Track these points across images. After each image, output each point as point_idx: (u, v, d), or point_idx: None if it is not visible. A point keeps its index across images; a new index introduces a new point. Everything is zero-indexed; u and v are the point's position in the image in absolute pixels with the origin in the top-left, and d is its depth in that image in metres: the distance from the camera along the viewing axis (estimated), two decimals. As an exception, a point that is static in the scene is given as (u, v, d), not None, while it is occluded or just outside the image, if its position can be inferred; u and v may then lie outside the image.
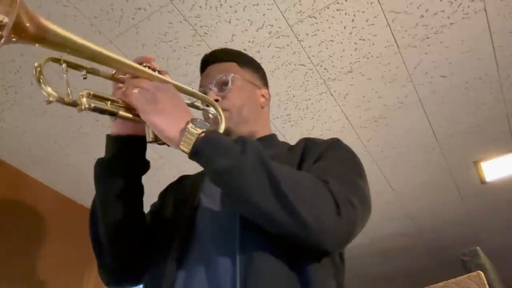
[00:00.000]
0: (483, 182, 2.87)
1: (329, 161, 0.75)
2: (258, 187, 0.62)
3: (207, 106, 0.84)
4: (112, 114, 0.69)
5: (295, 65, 1.92)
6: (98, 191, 0.79)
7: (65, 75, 0.64)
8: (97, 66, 0.69)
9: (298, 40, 1.81)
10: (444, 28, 1.77)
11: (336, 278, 0.71)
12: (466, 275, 1.27)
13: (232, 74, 0.92)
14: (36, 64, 0.61)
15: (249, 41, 1.80)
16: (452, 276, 1.32)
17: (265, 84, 1.03)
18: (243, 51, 1.83)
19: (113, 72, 0.73)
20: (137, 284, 0.85)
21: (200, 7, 1.64)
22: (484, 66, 1.97)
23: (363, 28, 1.76)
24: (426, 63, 1.94)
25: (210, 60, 0.98)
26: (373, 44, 1.84)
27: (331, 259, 0.71)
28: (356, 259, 3.67)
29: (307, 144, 0.82)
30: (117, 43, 1.76)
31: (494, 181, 2.86)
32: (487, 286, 1.20)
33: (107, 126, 2.38)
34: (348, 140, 2.38)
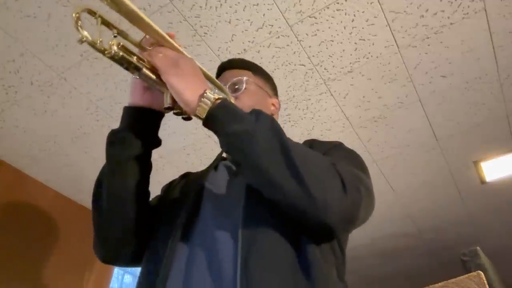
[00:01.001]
0: (483, 182, 2.87)
1: (335, 156, 0.77)
2: (269, 154, 0.63)
3: None
4: (136, 68, 0.71)
5: (295, 65, 1.92)
6: (108, 158, 0.79)
7: (98, 26, 0.68)
8: (127, 30, 0.73)
9: (298, 40, 1.81)
10: (444, 28, 1.77)
11: (337, 267, 0.71)
12: (466, 275, 1.27)
13: (246, 78, 0.97)
14: (74, 11, 0.66)
15: (249, 41, 1.80)
16: (452, 276, 1.31)
17: (276, 94, 1.07)
18: (243, 51, 1.84)
19: (140, 40, 0.75)
20: (133, 264, 0.84)
21: (200, 7, 1.64)
22: (484, 66, 1.97)
23: (363, 28, 1.76)
24: (426, 63, 1.94)
25: (226, 66, 1.03)
26: (373, 44, 1.84)
27: (330, 246, 0.71)
28: (356, 260, 3.67)
29: (312, 143, 0.85)
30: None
31: (494, 181, 2.86)
32: (487, 286, 1.20)
33: (107, 126, 2.39)
34: (348, 140, 2.41)
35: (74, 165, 2.47)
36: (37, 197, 2.54)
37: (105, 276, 2.81)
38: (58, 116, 2.12)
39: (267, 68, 1.92)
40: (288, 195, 0.62)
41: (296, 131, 2.30)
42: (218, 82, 0.88)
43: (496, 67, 1.98)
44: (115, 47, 0.68)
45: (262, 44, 1.82)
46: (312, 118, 2.24)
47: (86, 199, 2.74)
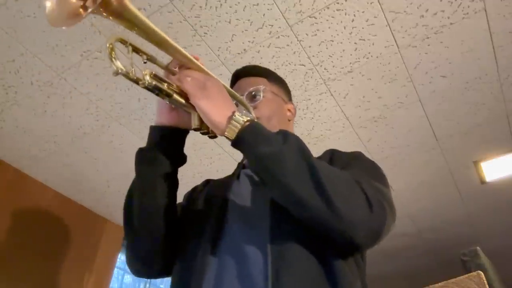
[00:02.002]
0: (483, 182, 2.87)
1: (356, 169, 0.78)
2: (297, 175, 0.65)
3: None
4: (168, 95, 0.74)
5: (295, 65, 1.92)
6: (138, 176, 0.82)
7: (130, 55, 0.71)
8: (155, 54, 0.76)
9: (298, 40, 1.81)
10: (444, 28, 1.77)
11: (361, 278, 0.74)
12: (466, 275, 1.27)
13: (263, 87, 0.99)
14: (108, 42, 0.69)
15: (249, 41, 1.80)
16: (452, 276, 1.32)
17: (290, 99, 1.10)
18: (243, 51, 1.85)
19: (168, 63, 0.79)
20: (165, 275, 0.86)
21: (200, 7, 1.64)
22: (484, 66, 1.97)
23: (363, 28, 1.76)
24: (426, 63, 1.94)
25: (241, 74, 1.05)
26: (373, 44, 1.84)
27: (354, 258, 0.74)
28: (356, 259, 3.66)
29: (333, 154, 0.87)
30: (117, 43, 1.75)
31: (494, 181, 2.86)
32: (487, 286, 1.20)
33: (107, 126, 2.39)
34: (348, 140, 2.41)
35: (74, 165, 2.47)
36: (37, 197, 2.54)
37: (105, 276, 2.81)
38: (58, 116, 2.12)
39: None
40: (316, 214, 0.65)
41: (296, 131, 2.28)
42: (239, 96, 0.91)
43: (496, 67, 1.98)
44: (148, 77, 0.70)
45: (262, 44, 1.82)
46: (312, 118, 2.24)
47: (86, 199, 2.74)
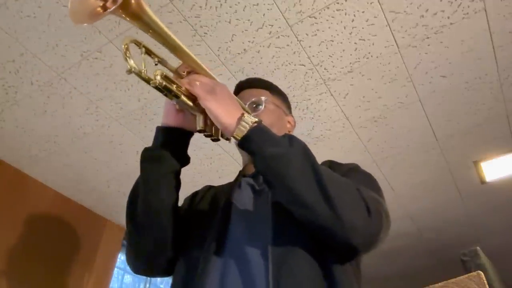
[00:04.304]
0: (483, 182, 2.86)
1: (354, 180, 0.80)
2: (303, 177, 0.68)
3: None
4: (176, 96, 0.77)
5: (295, 65, 1.92)
6: (143, 174, 0.84)
7: (142, 56, 0.75)
8: (166, 57, 0.79)
9: (298, 40, 1.81)
10: (444, 28, 1.77)
11: (358, 283, 0.75)
12: (466, 275, 1.27)
13: (265, 98, 1.02)
14: (124, 42, 0.72)
15: (249, 41, 1.80)
16: (452, 276, 1.31)
17: (290, 112, 1.14)
18: (243, 51, 1.85)
19: (178, 66, 0.82)
20: (165, 275, 0.87)
21: (200, 7, 1.64)
22: (484, 66, 1.97)
23: (363, 28, 1.76)
24: (426, 63, 1.94)
25: (245, 85, 1.08)
26: (373, 44, 1.84)
27: (352, 265, 0.75)
28: (356, 259, 3.66)
29: (331, 165, 0.89)
30: (117, 43, 1.76)
31: (494, 181, 2.86)
32: (487, 286, 1.20)
33: (107, 126, 2.39)
34: (348, 140, 2.41)
35: (74, 165, 2.47)
36: (37, 197, 2.54)
37: (105, 276, 2.81)
38: (58, 116, 2.12)
39: (267, 68, 1.93)
40: (319, 216, 0.67)
41: (296, 131, 2.28)
42: (242, 104, 0.92)
43: (496, 67, 1.98)
44: (159, 77, 0.73)
45: (262, 44, 1.82)
46: (312, 118, 2.24)
47: (86, 199, 2.74)
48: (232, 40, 1.79)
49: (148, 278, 3.22)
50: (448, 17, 1.72)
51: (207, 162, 2.48)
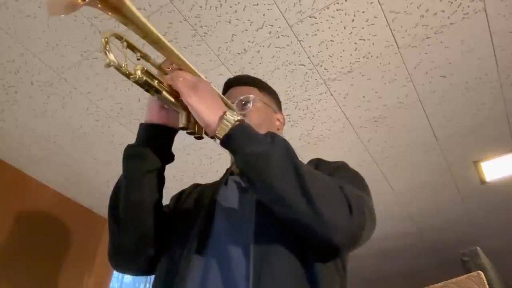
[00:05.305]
0: (483, 182, 2.86)
1: (339, 177, 0.80)
2: (283, 175, 0.67)
3: None
4: (157, 91, 0.75)
5: (295, 65, 1.92)
6: (126, 171, 0.84)
7: (124, 50, 0.74)
8: (150, 53, 0.78)
9: (298, 40, 1.81)
10: (444, 28, 1.77)
11: (341, 284, 0.74)
12: (466, 275, 1.26)
13: (253, 96, 1.01)
14: (103, 36, 0.71)
15: (249, 41, 1.80)
16: (452, 276, 1.31)
17: (280, 109, 1.12)
18: (243, 51, 1.84)
19: (161, 62, 0.80)
20: (145, 273, 0.87)
21: (200, 7, 1.64)
22: (484, 66, 1.97)
23: (363, 28, 1.76)
24: (426, 63, 1.94)
25: (233, 83, 1.08)
26: (373, 44, 1.84)
27: (335, 265, 0.75)
28: (356, 259, 3.66)
29: (318, 163, 0.89)
30: (117, 43, 1.75)
31: (494, 181, 2.86)
32: (487, 286, 1.20)
33: (107, 126, 2.39)
34: (348, 140, 2.41)
35: (74, 165, 2.47)
36: (37, 197, 2.54)
37: (105, 276, 2.81)
38: (58, 116, 2.12)
39: (267, 68, 1.93)
40: (299, 214, 0.66)
41: (296, 131, 2.30)
42: (228, 101, 0.92)
43: (496, 67, 1.98)
44: (139, 72, 0.72)
45: (262, 44, 1.82)
46: (312, 118, 2.24)
47: (86, 199, 2.74)
48: (232, 40, 1.79)
49: (148, 278, 3.21)
50: (448, 17, 1.72)
51: (207, 162, 2.48)
